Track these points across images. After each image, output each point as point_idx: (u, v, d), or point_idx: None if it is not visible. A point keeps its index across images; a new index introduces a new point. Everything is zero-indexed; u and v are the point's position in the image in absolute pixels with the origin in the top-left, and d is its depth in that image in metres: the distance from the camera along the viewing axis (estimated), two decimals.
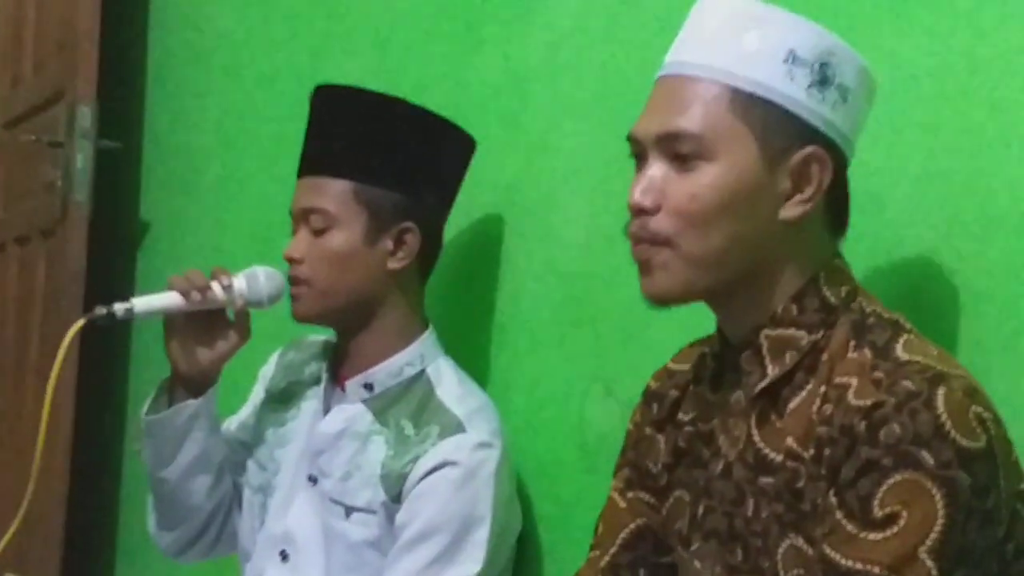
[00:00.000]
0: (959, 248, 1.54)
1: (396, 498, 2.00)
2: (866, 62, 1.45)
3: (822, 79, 1.41)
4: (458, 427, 2.00)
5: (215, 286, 2.09)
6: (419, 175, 2.11)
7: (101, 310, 2.05)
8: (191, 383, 2.13)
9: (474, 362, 2.20)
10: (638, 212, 1.43)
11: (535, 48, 2.23)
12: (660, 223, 1.42)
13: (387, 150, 2.09)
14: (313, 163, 2.12)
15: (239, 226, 3.02)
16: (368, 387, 2.09)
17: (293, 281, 2.08)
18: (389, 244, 2.08)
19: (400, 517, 1.99)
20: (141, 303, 2.08)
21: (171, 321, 2.12)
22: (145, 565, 3.29)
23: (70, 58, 3.38)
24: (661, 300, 1.45)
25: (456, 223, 2.22)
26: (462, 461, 1.97)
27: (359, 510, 2.04)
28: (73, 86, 3.34)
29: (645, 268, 1.44)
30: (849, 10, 1.65)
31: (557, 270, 2.14)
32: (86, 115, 3.31)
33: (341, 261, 2.07)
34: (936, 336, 1.43)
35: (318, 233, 2.07)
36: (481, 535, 1.97)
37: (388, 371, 2.09)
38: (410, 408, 2.05)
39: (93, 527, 3.50)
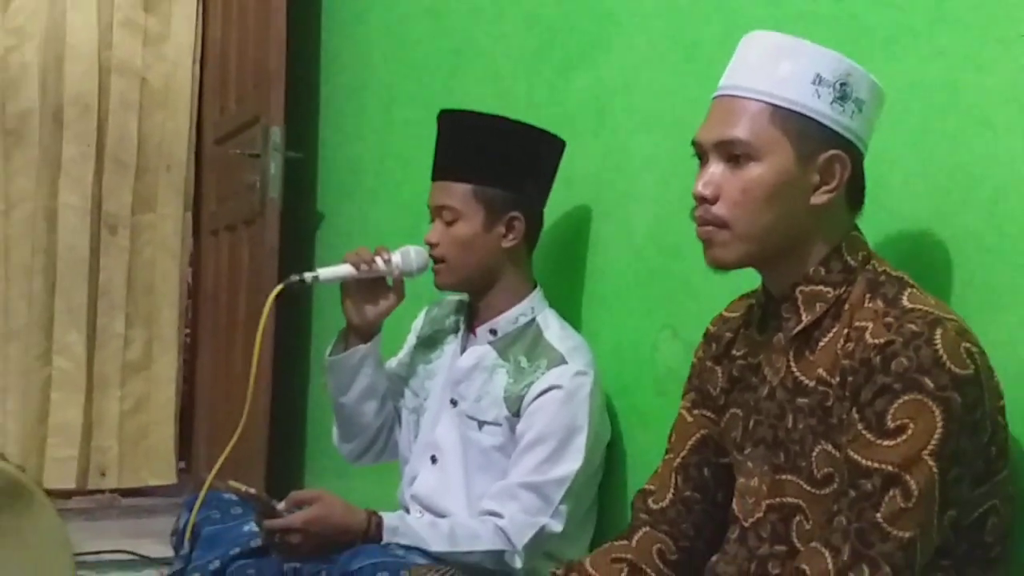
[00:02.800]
0: (946, 220, 1.51)
1: (516, 413, 2.01)
2: (876, 79, 1.42)
3: (842, 95, 1.39)
4: (561, 360, 2.00)
5: (378, 259, 2.12)
6: (522, 175, 2.10)
7: (295, 277, 2.09)
8: (361, 332, 2.16)
9: (572, 312, 2.20)
10: (701, 200, 1.42)
11: (615, 72, 2.20)
12: (719, 209, 1.41)
13: (496, 157, 2.08)
14: (441, 170, 2.12)
15: (390, 216, 3.03)
16: (493, 332, 2.10)
17: (434, 259, 2.10)
18: (502, 229, 2.08)
19: (519, 428, 2.00)
20: (324, 272, 2.11)
21: (346, 286, 2.14)
22: (325, 468, 3.34)
23: (264, 91, 3.43)
24: (721, 267, 1.44)
25: (556, 209, 2.21)
26: (565, 385, 1.97)
27: (489, 423, 2.04)
28: (267, 112, 3.38)
29: (708, 244, 1.43)
30: (860, 40, 1.62)
31: (634, 243, 2.13)
32: (277, 134, 3.36)
33: (467, 244, 2.07)
34: (929, 289, 1.40)
35: (449, 224, 2.08)
36: (580, 440, 1.96)
37: (508, 320, 2.09)
38: (525, 346, 2.05)
39: (287, 442, 3.55)
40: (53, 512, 2.05)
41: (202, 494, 2.09)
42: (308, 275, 2.10)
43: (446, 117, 2.17)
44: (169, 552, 2.27)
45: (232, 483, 1.94)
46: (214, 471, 2.03)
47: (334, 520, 1.89)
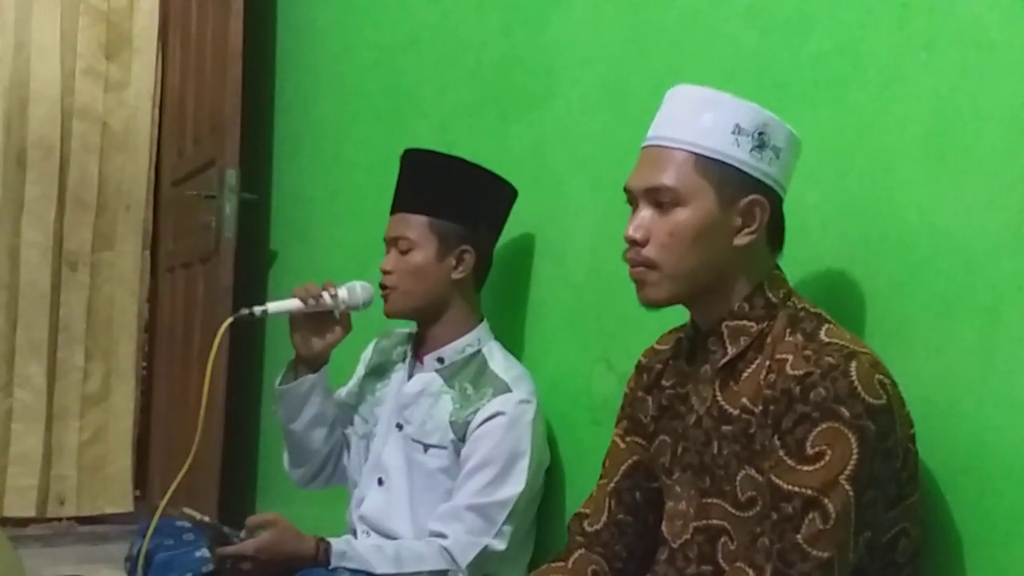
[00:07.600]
0: (859, 262, 1.53)
1: (462, 439, 2.00)
2: (792, 128, 1.44)
3: (760, 144, 1.40)
4: (506, 388, 1.99)
5: (325, 294, 2.10)
6: (476, 214, 2.11)
7: (245, 311, 2.07)
8: (309, 363, 2.14)
9: (515, 344, 2.20)
10: (632, 243, 1.43)
11: (553, 122, 2.22)
12: (649, 252, 1.42)
13: (453, 194, 2.09)
14: (401, 203, 2.13)
15: (340, 253, 3.02)
16: (440, 360, 2.09)
17: (385, 287, 2.09)
18: (453, 261, 2.08)
19: (464, 452, 1.99)
20: (273, 306, 2.09)
21: (294, 319, 2.13)
22: (277, 495, 3.29)
23: (220, 135, 3.39)
24: (652, 305, 1.45)
25: (500, 249, 2.21)
26: (509, 412, 1.97)
27: (434, 446, 2.03)
28: (223, 155, 3.35)
29: (639, 284, 1.44)
30: (778, 94, 1.65)
31: (571, 282, 2.14)
32: (232, 176, 3.33)
33: (419, 272, 2.07)
34: (845, 325, 1.42)
35: (404, 252, 2.07)
36: (523, 464, 1.96)
37: (454, 349, 2.09)
38: (471, 375, 2.05)
39: (240, 470, 3.51)
40: (4, 538, 2.02)
41: (154, 521, 2.05)
42: (257, 308, 2.08)
43: (410, 155, 2.17)
44: None
45: (187, 511, 1.91)
46: (166, 498, 2.00)
47: (284, 547, 1.86)
